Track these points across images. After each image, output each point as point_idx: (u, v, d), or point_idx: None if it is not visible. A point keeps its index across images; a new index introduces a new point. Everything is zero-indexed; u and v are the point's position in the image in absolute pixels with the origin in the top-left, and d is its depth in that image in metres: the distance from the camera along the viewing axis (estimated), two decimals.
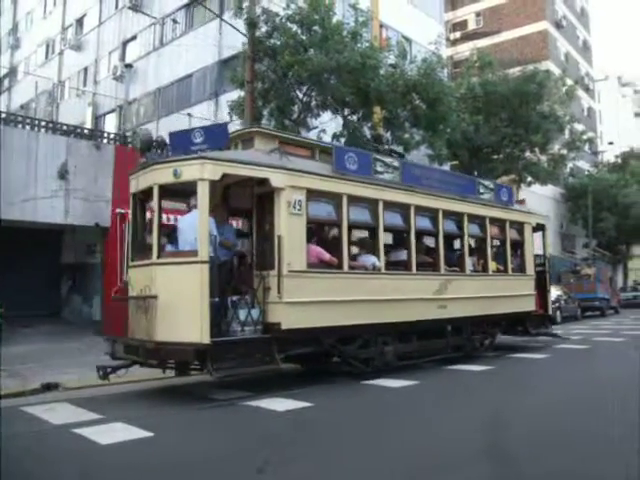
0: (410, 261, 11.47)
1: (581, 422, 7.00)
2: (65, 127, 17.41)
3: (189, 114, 20.70)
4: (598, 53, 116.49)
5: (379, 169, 11.15)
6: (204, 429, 7.19)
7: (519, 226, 14.81)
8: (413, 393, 9.52)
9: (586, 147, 37.42)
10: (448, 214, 12.43)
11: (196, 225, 8.53)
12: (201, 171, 8.57)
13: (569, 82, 29.27)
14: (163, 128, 22.51)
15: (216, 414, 8.02)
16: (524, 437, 6.33)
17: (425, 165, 16.63)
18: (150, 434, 6.48)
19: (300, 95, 16.51)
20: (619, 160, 49.13)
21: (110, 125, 27.54)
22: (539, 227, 15.85)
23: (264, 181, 9.23)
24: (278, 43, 15.84)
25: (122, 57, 27.80)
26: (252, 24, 15.49)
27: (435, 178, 12.60)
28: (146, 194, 9.22)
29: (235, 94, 17.48)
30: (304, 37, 15.78)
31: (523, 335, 15.37)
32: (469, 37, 43.52)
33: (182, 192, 9.12)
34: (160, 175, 8.84)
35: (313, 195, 9.73)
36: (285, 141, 10.42)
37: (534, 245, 15.51)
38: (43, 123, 17.00)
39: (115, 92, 26.72)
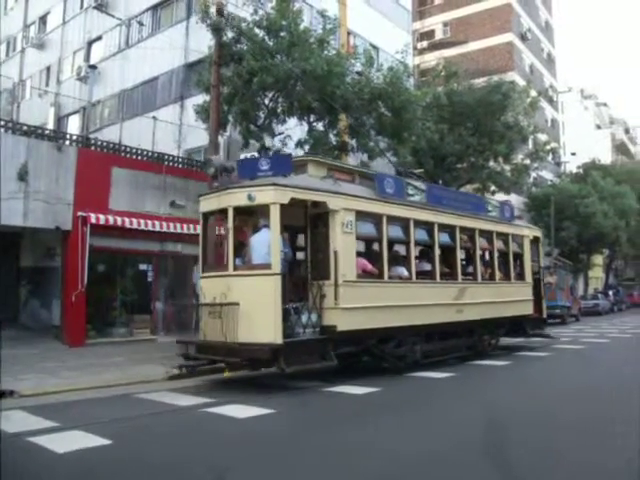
0: (434, 271, 13.31)
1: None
2: (26, 127, 17.04)
3: (154, 117, 20.42)
4: (562, 66, 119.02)
5: (410, 192, 13.10)
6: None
7: (519, 239, 16.85)
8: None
9: (549, 157, 38.08)
10: (464, 230, 14.37)
11: (268, 242, 10.02)
12: (274, 196, 10.08)
13: (533, 93, 29.73)
14: (128, 131, 22.26)
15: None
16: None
17: (445, 187, 18.87)
18: (108, 442, 6.40)
19: (266, 101, 16.46)
20: (581, 171, 50.02)
21: (73, 127, 27.07)
22: (535, 239, 17.83)
23: (321, 204, 10.88)
24: (244, 48, 15.78)
25: (87, 57, 27.34)
26: (218, 29, 15.41)
27: (453, 198, 14.80)
28: (219, 214, 11.05)
29: (201, 98, 17.34)
30: (271, 43, 15.74)
31: (521, 336, 17.15)
32: (436, 46, 44.08)
33: (249, 212, 10.80)
34: (235, 198, 10.41)
35: (360, 215, 11.46)
36: (332, 167, 12.16)
37: (531, 255, 17.34)
38: (2, 122, 16.61)
39: (79, 93, 26.28)
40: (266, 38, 15.85)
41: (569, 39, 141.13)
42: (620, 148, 79.23)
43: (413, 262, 12.75)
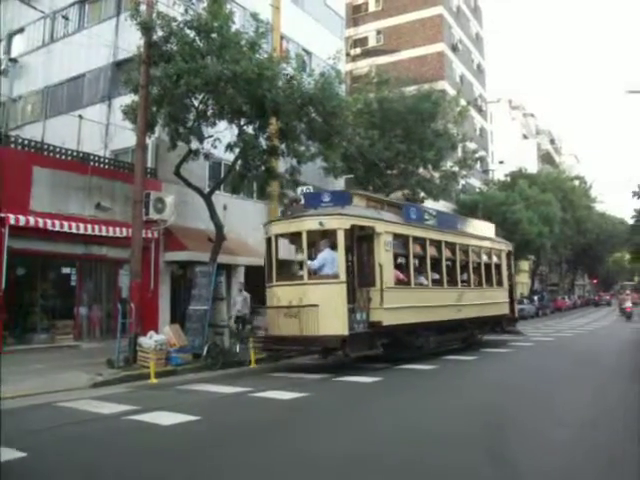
0: (442, 279, 17.17)
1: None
2: None
3: (80, 116, 19.77)
4: (491, 77, 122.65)
5: (426, 217, 17.08)
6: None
7: (498, 252, 21.15)
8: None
9: (477, 165, 39.08)
10: (461, 246, 18.31)
11: (335, 258, 13.32)
12: (339, 223, 13.51)
13: (463, 102, 30.47)
14: (52, 129, 21.49)
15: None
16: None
17: (449, 213, 22.76)
18: (23, 454, 6.15)
19: (195, 103, 16.22)
20: (508, 179, 51.57)
21: None
22: (509, 252, 22.06)
23: (368, 227, 14.24)
24: (174, 48, 15.49)
25: (7, 50, 26.12)
26: (147, 28, 15.09)
27: (454, 221, 19.37)
28: (291, 236, 14.57)
29: (129, 98, 16.92)
30: (201, 44, 15.51)
31: (498, 332, 20.93)
32: (369, 54, 44.57)
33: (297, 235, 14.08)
34: (308, 224, 13.66)
35: (395, 236, 15.03)
36: (369, 198, 16.02)
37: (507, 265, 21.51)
38: None
39: None
40: (197, 39, 15.59)
41: (498, 51, 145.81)
42: (545, 157, 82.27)
43: (429, 272, 16.58)
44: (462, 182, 38.71)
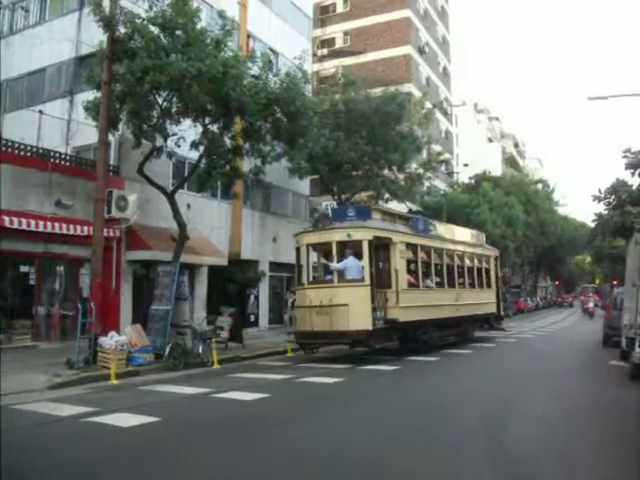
0: (443, 282, 19.61)
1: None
2: None
3: (40, 111, 19.36)
4: (457, 80, 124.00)
5: (430, 228, 19.63)
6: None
7: (487, 258, 23.82)
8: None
9: (442, 168, 39.44)
10: (458, 253, 20.92)
11: (360, 264, 15.41)
12: (364, 234, 15.72)
13: (428, 105, 30.68)
14: (10, 124, 20.99)
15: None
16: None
17: (448, 224, 24.53)
18: None
19: (160, 100, 16.03)
20: (472, 182, 52.14)
21: None
22: (496, 258, 24.88)
23: (386, 238, 16.46)
24: (138, 45, 15.25)
25: None
26: (109, 24, 14.81)
27: (452, 231, 21.93)
28: (318, 246, 16.81)
29: (92, 94, 16.60)
30: (166, 41, 15.32)
31: (486, 329, 23.83)
32: (336, 55, 44.68)
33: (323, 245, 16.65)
34: (338, 235, 15.88)
35: (407, 245, 17.43)
36: (384, 212, 18.45)
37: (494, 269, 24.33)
38: None
39: None
40: (161, 36, 15.39)
41: (464, 55, 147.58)
42: (509, 161, 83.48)
43: (434, 275, 19.21)
44: (427, 184, 38.89)
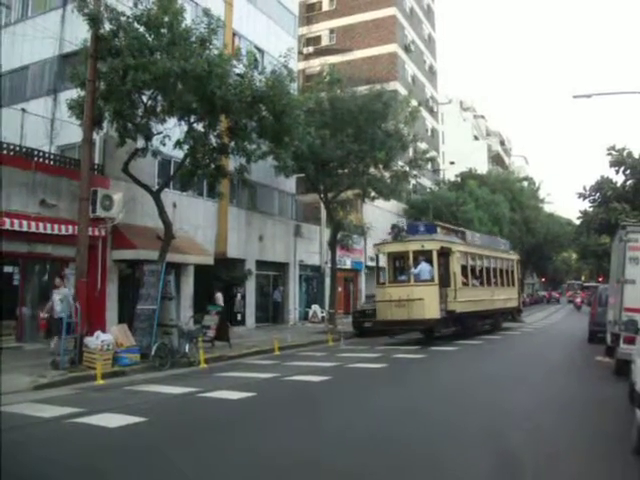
0: (483, 281, 24.09)
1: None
2: None
3: (23, 109, 19.18)
4: (443, 78, 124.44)
5: (475, 239, 25.20)
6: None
7: (512, 261, 28.49)
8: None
9: (428, 166, 39.48)
10: (492, 258, 25.58)
11: (431, 268, 19.78)
12: (434, 245, 20.18)
13: (414, 103, 30.70)
14: None
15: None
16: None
17: (487, 235, 30.02)
18: None
19: (144, 99, 15.93)
20: (458, 179, 52.32)
21: None
22: (518, 261, 30.03)
23: (448, 248, 20.90)
24: (123, 43, 15.14)
25: None
26: (94, 21, 14.69)
27: (488, 241, 27.42)
28: (397, 254, 21.43)
29: (76, 92, 16.46)
30: (150, 39, 15.22)
31: (510, 321, 28.41)
32: (322, 53, 44.64)
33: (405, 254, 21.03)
34: (413, 246, 20.28)
35: (461, 253, 21.97)
36: (442, 227, 23.47)
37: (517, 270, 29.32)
38: None
39: None
40: (146, 34, 15.28)
41: (450, 53, 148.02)
42: (495, 159, 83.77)
43: (477, 276, 23.61)
44: (413, 182, 39.04)
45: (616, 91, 75.52)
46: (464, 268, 22.20)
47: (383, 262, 21.61)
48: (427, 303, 19.21)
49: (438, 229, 22.34)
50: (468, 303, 21.55)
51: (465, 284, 21.87)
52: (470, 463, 6.40)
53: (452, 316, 20.58)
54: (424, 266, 19.87)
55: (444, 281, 20.40)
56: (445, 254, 20.87)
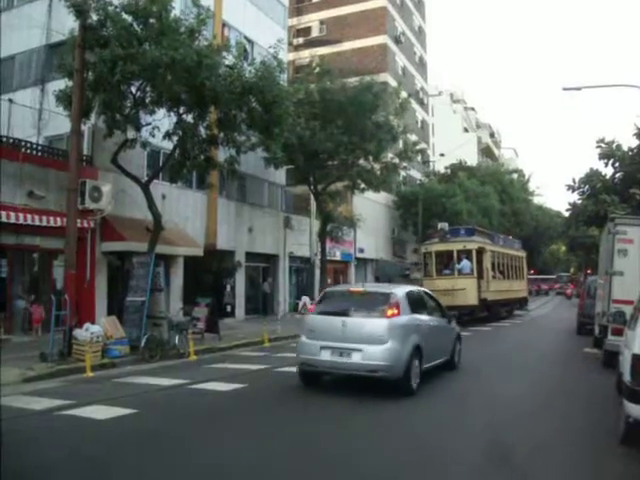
0: (503, 274, 28.80)
1: None
2: None
3: (10, 100, 18.99)
4: (433, 70, 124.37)
5: (499, 240, 29.70)
6: None
7: (522, 258, 33.50)
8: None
9: (418, 157, 39.51)
10: (508, 255, 30.15)
11: (470, 264, 24.71)
12: (473, 245, 25.11)
13: (404, 94, 30.69)
14: None
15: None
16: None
17: (507, 237, 34.17)
18: None
19: (133, 90, 15.81)
20: (448, 171, 52.38)
21: None
22: (525, 256, 34.85)
23: (482, 247, 25.56)
24: (111, 33, 15.00)
25: None
26: (80, 11, 14.53)
27: (505, 241, 31.41)
28: (443, 252, 25.88)
29: (64, 83, 16.30)
30: (139, 30, 15.09)
31: (518, 309, 32.82)
32: (312, 44, 44.43)
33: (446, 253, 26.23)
34: (456, 246, 25.26)
35: (491, 252, 26.78)
36: (477, 230, 27.45)
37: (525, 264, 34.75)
38: None
39: None
40: (134, 24, 15.15)
41: (441, 45, 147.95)
42: (485, 151, 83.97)
43: (501, 270, 28.40)
44: (402, 174, 39.09)
45: (606, 84, 75.77)
46: (492, 264, 26.82)
47: (428, 258, 26.10)
48: (468, 292, 23.74)
49: (476, 232, 26.93)
50: (495, 293, 26.35)
51: (493, 277, 26.65)
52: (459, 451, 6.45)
53: (485, 303, 25.14)
54: (465, 262, 24.76)
55: (478, 274, 24.83)
56: (480, 252, 25.29)
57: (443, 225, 27.95)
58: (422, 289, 13.09)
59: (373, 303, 10.28)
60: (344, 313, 10.09)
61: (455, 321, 13.45)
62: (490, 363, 14.17)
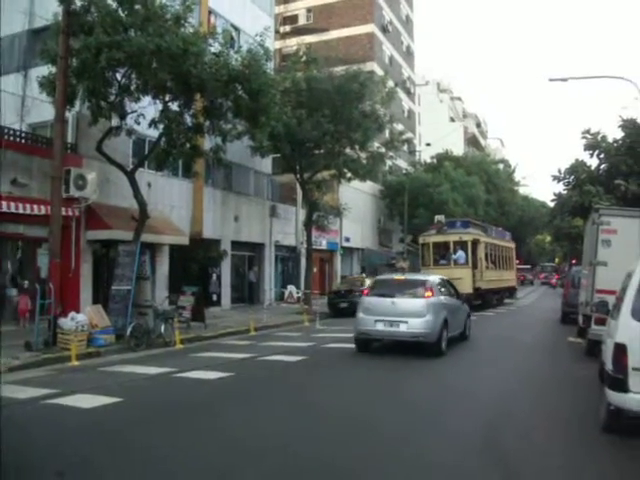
0: (495, 264, 30.12)
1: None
2: None
3: None
4: (420, 60, 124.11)
5: (491, 232, 31.34)
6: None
7: (511, 248, 35.15)
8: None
9: (404, 147, 39.52)
10: (499, 246, 31.68)
11: (465, 255, 26.25)
12: (469, 237, 26.70)
13: (390, 84, 30.62)
14: None
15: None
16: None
17: (498, 228, 35.36)
18: None
19: (118, 77, 15.66)
20: (434, 161, 52.45)
21: None
22: (514, 247, 36.67)
23: (476, 239, 27.03)
24: (95, 19, 14.81)
25: None
26: None
27: (497, 232, 33.28)
28: (440, 243, 27.20)
29: (47, 69, 16.09)
30: (124, 16, 14.92)
31: (508, 297, 33.97)
32: (299, 32, 44.16)
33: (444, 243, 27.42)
34: (453, 237, 26.77)
35: (485, 243, 28.29)
36: (472, 223, 29.20)
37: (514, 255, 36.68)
38: None
39: None
40: (119, 10, 14.97)
41: (428, 34, 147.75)
42: (471, 141, 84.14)
43: (493, 261, 29.66)
44: (389, 163, 39.09)
45: (592, 75, 76.11)
46: (486, 255, 28.14)
47: (426, 249, 27.20)
48: (464, 281, 24.09)
49: (471, 225, 28.30)
50: (488, 282, 27.70)
51: (487, 267, 27.97)
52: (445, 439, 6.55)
53: (478, 292, 26.23)
54: (461, 253, 26.19)
55: (473, 264, 26.10)
56: (475, 244, 26.64)
57: (440, 218, 28.95)
58: (444, 277, 16.13)
59: (413, 287, 13.60)
60: (392, 295, 13.31)
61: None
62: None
